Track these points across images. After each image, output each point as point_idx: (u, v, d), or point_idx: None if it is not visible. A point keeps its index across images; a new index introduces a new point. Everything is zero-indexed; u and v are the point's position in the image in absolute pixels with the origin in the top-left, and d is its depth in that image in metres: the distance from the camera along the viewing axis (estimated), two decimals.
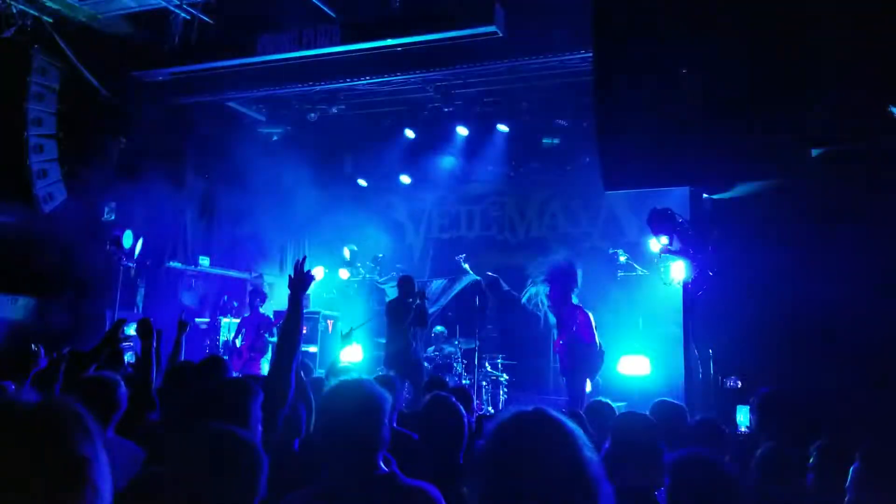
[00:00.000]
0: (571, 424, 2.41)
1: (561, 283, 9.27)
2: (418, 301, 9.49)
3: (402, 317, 9.47)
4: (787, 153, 6.57)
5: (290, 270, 4.25)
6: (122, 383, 3.99)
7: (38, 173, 9.53)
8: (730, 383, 6.85)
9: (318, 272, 13.89)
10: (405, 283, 9.63)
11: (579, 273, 9.36)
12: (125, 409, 4.64)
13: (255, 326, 10.93)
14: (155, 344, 4.90)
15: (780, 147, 6.56)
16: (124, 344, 5.53)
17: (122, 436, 3.96)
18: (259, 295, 11.28)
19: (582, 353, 8.80)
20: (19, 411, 1.32)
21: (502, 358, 11.59)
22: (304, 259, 4.31)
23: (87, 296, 9.97)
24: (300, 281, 4.19)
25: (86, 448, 1.32)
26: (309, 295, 12.71)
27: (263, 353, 10.87)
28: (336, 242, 14.05)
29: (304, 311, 4.29)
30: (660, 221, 7.68)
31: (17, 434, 1.28)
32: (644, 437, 3.80)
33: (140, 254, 10.48)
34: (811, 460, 3.23)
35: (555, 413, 2.43)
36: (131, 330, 5.45)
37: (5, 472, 1.24)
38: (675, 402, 5.04)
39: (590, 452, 2.40)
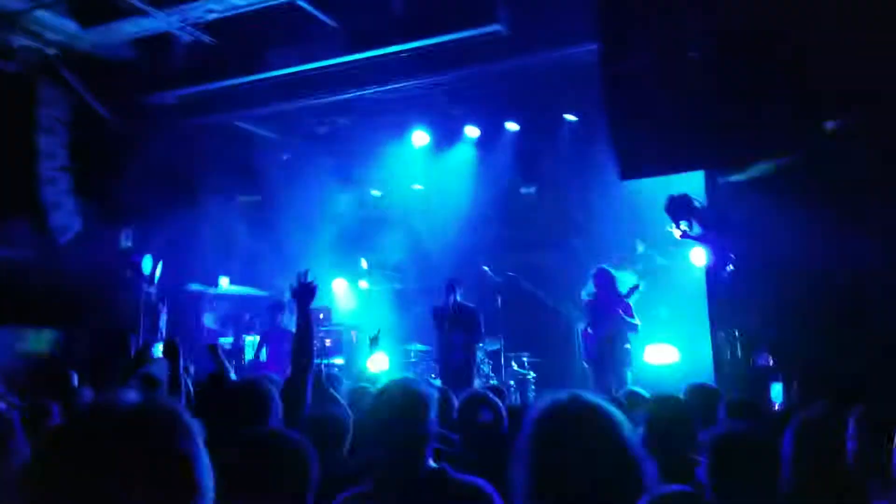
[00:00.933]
0: (610, 407, 2.41)
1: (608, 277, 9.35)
2: (453, 303, 9.51)
3: (438, 322, 9.56)
4: (800, 128, 6.51)
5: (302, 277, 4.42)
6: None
7: (53, 205, 9.59)
8: (760, 361, 6.79)
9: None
10: (447, 287, 9.66)
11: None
12: None
13: (277, 339, 10.93)
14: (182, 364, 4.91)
15: (792, 123, 6.50)
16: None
17: None
18: (279, 308, 11.27)
19: (616, 346, 8.85)
20: (122, 410, 1.34)
21: (528, 356, 11.55)
22: (307, 271, 4.48)
23: (109, 324, 10.00)
24: (304, 292, 4.37)
25: (188, 445, 1.35)
26: (329, 308, 12.76)
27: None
28: (354, 254, 14.08)
29: (314, 322, 4.44)
30: (678, 208, 7.65)
31: (122, 432, 1.30)
32: (678, 418, 3.79)
33: (160, 278, 10.51)
34: (850, 429, 3.18)
35: (592, 397, 2.42)
36: (157, 352, 5.46)
37: (111, 471, 1.25)
38: (709, 384, 5.02)
39: (630, 434, 2.40)
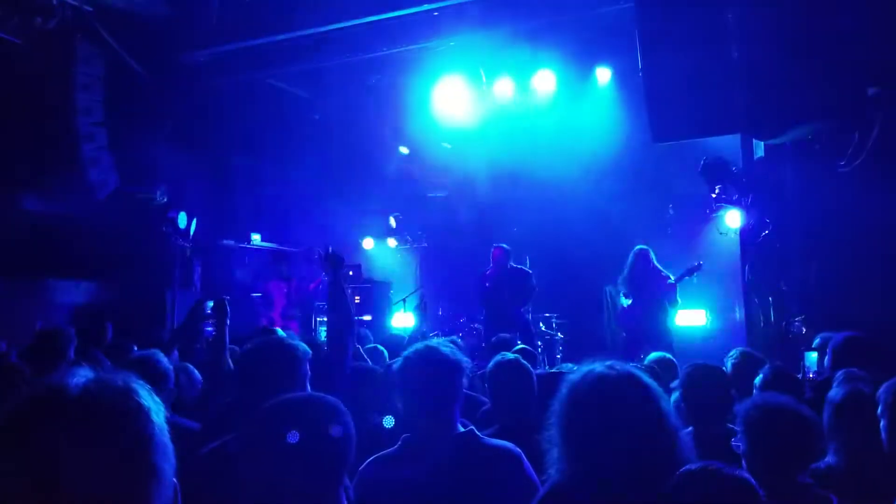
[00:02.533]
0: (647, 378, 2.43)
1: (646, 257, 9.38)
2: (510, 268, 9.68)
3: (490, 286, 9.69)
4: (842, 94, 6.39)
5: (330, 248, 4.55)
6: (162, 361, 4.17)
7: (91, 161, 9.70)
8: (795, 328, 6.77)
9: (368, 242, 14.10)
10: (504, 253, 9.92)
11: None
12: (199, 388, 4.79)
13: (284, 295, 11.15)
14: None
15: (830, 88, 6.38)
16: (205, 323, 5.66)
17: (193, 416, 4.09)
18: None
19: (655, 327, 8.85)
20: (69, 394, 1.25)
21: (556, 318, 11.59)
22: (330, 249, 4.62)
23: (145, 278, 10.18)
24: (334, 261, 4.48)
25: (141, 427, 1.28)
26: (358, 265, 12.86)
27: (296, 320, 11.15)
28: (383, 212, 14.15)
29: (346, 289, 4.55)
30: (713, 171, 7.59)
31: (69, 418, 1.22)
32: (715, 386, 3.80)
33: (194, 234, 10.65)
34: (881, 404, 3.17)
35: (629, 367, 2.45)
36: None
37: (59, 458, 1.19)
38: (755, 352, 5.00)
39: (666, 403, 2.43)
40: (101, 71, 9.97)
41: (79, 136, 9.46)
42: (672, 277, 9.13)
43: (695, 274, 9.22)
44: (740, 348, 4.96)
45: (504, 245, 10.12)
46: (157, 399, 1.34)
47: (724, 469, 2.04)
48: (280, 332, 5.14)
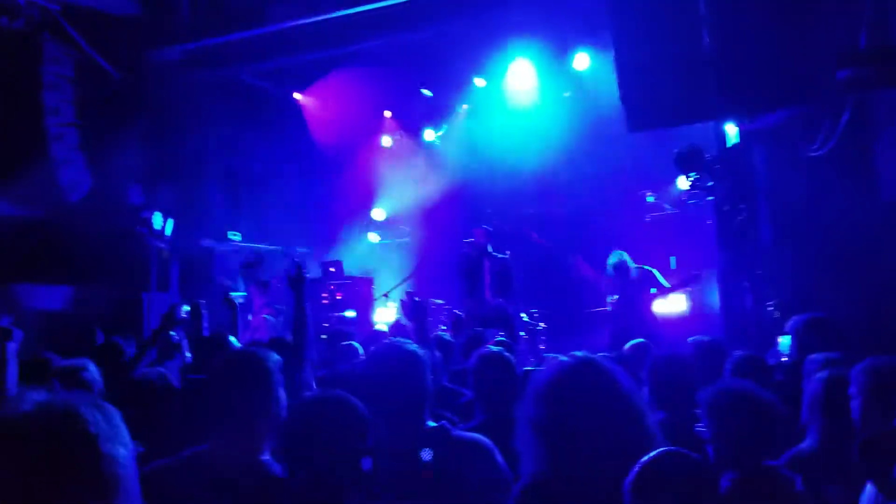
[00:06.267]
0: (612, 365, 2.46)
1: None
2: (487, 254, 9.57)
3: (470, 270, 9.66)
4: (812, 78, 6.40)
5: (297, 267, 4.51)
6: None
7: (62, 162, 9.59)
8: (769, 313, 6.81)
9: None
10: (484, 234, 9.81)
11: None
12: None
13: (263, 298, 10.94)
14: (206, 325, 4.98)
15: (804, 72, 6.39)
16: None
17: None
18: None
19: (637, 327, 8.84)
20: (21, 419, 1.23)
21: (537, 309, 11.58)
22: (300, 264, 4.59)
23: (122, 280, 10.07)
24: (297, 282, 4.42)
25: (98, 447, 1.24)
26: (340, 261, 12.81)
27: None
28: (366, 205, 14.15)
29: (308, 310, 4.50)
30: (687, 159, 7.60)
31: (22, 442, 1.20)
32: (679, 374, 3.83)
33: (171, 234, 10.55)
34: (854, 385, 3.20)
35: (594, 357, 2.47)
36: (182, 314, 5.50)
37: (13, 482, 1.17)
38: (713, 339, 5.03)
39: (633, 387, 2.45)
40: (70, 71, 9.87)
41: (48, 137, 9.36)
42: (659, 276, 9.15)
43: (692, 286, 9.21)
44: (701, 337, 5.01)
45: (487, 227, 10.04)
46: (115, 425, 1.29)
47: (680, 454, 2.06)
48: (234, 340, 4.94)
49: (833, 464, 3.12)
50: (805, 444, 3.34)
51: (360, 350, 6.09)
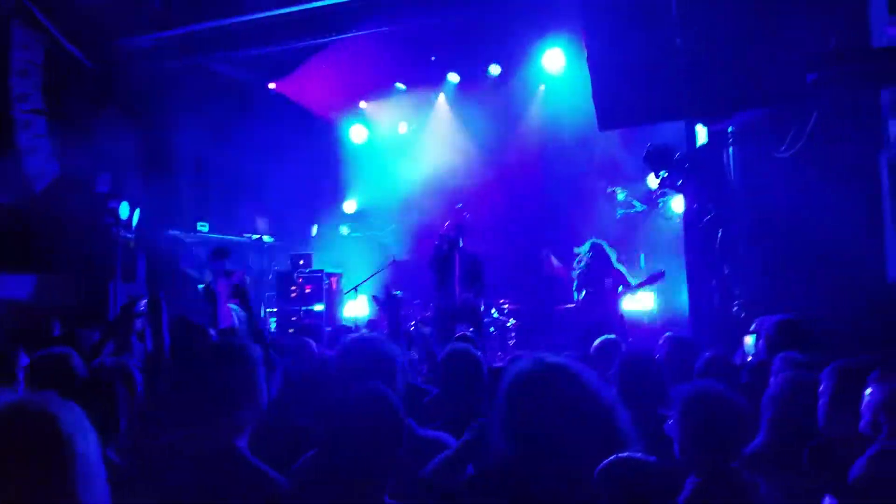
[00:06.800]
0: (576, 365, 2.45)
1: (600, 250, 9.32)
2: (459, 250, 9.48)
3: (440, 266, 9.54)
4: (782, 79, 6.47)
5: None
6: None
7: (28, 150, 9.43)
8: (736, 312, 6.87)
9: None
10: (456, 229, 9.63)
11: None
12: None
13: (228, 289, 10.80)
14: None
15: (774, 74, 6.46)
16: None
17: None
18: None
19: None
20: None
21: (507, 303, 11.60)
22: (244, 275, 4.54)
23: (88, 270, 9.93)
24: (241, 293, 4.49)
25: (66, 443, 1.25)
26: (309, 254, 12.74)
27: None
28: (336, 198, 14.09)
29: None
30: (657, 157, 7.64)
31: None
32: (647, 373, 3.85)
33: (137, 224, 10.42)
34: (822, 385, 3.24)
35: (558, 359, 2.47)
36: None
37: None
38: (685, 336, 5.07)
39: (599, 387, 2.45)
40: (39, 57, 9.70)
41: (14, 124, 9.19)
42: (627, 274, 9.18)
43: (657, 283, 9.24)
44: (670, 333, 5.04)
45: (460, 207, 9.98)
46: (84, 423, 1.31)
47: (639, 458, 2.07)
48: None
49: (784, 463, 3.14)
50: (757, 441, 3.36)
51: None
